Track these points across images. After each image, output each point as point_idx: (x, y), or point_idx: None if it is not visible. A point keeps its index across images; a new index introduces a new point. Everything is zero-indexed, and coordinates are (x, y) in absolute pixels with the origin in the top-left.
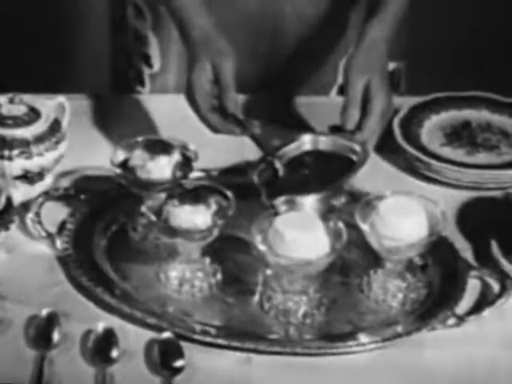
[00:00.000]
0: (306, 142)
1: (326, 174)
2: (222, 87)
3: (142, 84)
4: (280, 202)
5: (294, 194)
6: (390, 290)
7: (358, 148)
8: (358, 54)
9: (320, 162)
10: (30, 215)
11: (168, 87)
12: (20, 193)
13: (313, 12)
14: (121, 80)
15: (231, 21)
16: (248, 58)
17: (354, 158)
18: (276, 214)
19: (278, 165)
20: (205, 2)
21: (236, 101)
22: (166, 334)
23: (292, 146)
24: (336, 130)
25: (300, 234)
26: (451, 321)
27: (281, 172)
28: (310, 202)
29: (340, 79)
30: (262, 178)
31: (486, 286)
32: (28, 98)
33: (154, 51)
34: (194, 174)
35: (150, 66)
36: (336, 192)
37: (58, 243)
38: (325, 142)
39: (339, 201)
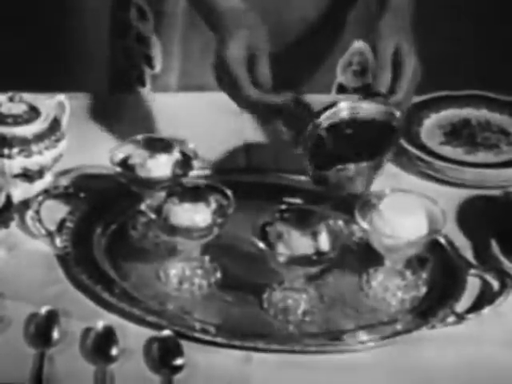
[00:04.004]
0: (342, 108)
1: (368, 141)
2: (256, 60)
3: (143, 85)
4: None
5: (344, 164)
6: (389, 288)
7: (396, 112)
8: (386, 15)
9: (359, 130)
10: (29, 213)
11: (169, 89)
12: (20, 191)
13: (313, 12)
14: (122, 80)
15: None
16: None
17: (392, 122)
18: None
19: (325, 135)
20: None
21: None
22: (166, 332)
23: (329, 113)
24: (369, 95)
25: (300, 232)
26: (451, 319)
27: (329, 144)
28: (360, 169)
29: (338, 78)
30: (306, 148)
31: (485, 284)
32: (28, 96)
33: (156, 53)
34: (194, 173)
35: (151, 67)
36: (383, 159)
37: (58, 241)
38: (362, 108)
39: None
